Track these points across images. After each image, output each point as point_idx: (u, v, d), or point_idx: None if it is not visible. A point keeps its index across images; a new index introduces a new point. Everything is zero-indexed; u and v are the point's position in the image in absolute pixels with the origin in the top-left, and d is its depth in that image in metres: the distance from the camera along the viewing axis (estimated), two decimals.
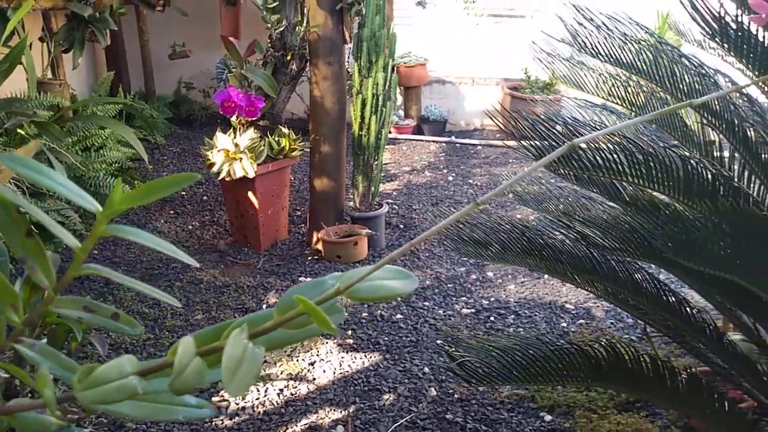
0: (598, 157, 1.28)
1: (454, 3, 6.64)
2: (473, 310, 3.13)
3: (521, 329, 2.97)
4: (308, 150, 3.86)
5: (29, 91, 4.09)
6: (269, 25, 3.72)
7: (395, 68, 6.31)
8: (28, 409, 0.49)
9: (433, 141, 6.21)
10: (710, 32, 1.25)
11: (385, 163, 5.38)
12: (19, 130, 3.44)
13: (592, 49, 1.51)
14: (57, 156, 3.07)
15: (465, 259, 3.63)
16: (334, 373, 2.62)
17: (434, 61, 6.63)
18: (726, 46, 1.27)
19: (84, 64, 5.81)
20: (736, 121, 1.57)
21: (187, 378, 0.41)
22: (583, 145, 1.28)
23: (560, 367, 1.43)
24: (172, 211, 4.25)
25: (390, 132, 6.19)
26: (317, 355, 2.74)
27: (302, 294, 0.45)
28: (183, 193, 4.58)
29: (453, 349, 1.48)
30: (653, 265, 1.64)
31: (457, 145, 6.09)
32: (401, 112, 6.51)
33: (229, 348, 0.41)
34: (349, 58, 4.46)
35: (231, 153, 3.52)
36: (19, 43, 3.20)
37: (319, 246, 3.73)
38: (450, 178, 5.14)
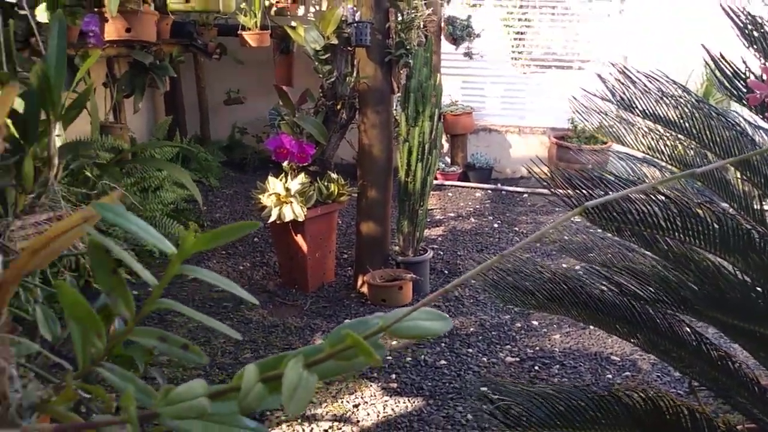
0: (633, 210, 1.33)
1: (501, 53, 6.76)
2: (518, 359, 3.14)
3: (566, 379, 2.96)
4: (356, 195, 3.96)
5: (92, 134, 4.30)
6: (321, 75, 3.87)
7: (442, 116, 6.43)
8: (110, 424, 0.56)
9: (479, 188, 6.26)
10: (736, 95, 1.30)
11: (431, 209, 5.45)
12: (83, 171, 3.63)
13: (629, 104, 1.56)
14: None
15: (510, 306, 3.64)
16: (378, 416, 2.65)
17: (480, 110, 6.74)
18: (753, 108, 1.31)
19: (144, 108, 6.08)
20: None
21: (252, 400, 0.48)
22: (615, 194, 1.33)
23: (599, 416, 1.45)
24: (224, 252, 4.38)
25: (436, 178, 6.29)
26: (361, 397, 2.78)
27: (348, 340, 0.52)
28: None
29: (494, 394, 1.51)
30: (694, 319, 1.65)
31: (503, 192, 6.13)
32: (447, 159, 6.59)
33: (288, 374, 0.47)
34: (396, 107, 4.58)
35: (282, 197, 3.64)
36: (85, 89, 3.41)
37: (365, 289, 3.79)
38: (495, 225, 5.16)
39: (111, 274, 0.60)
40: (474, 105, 6.63)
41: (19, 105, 2.68)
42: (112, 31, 3.46)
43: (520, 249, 0.61)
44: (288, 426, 2.57)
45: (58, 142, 2.75)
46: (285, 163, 3.71)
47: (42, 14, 3.39)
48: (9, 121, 2.49)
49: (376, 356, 0.47)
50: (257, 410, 0.54)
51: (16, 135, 2.55)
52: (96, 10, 3.45)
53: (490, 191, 6.16)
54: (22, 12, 3.17)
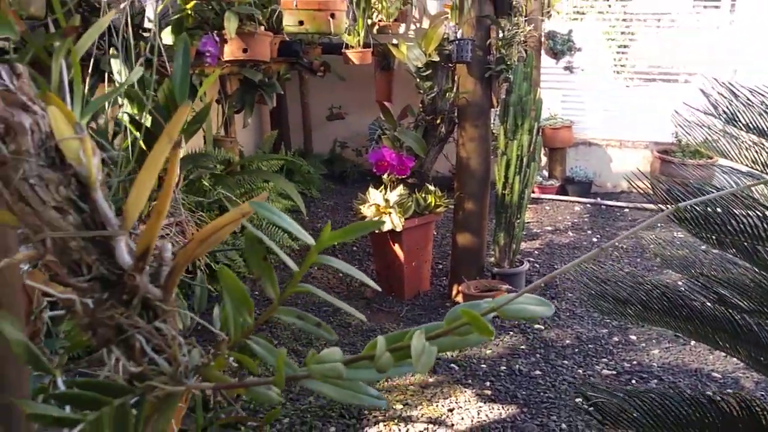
0: (733, 221, 1.34)
1: (603, 66, 6.67)
2: (614, 372, 3.11)
3: None
4: (452, 207, 4.04)
5: (206, 147, 4.61)
6: (421, 91, 3.99)
7: (541, 130, 6.41)
8: (260, 384, 0.68)
9: (577, 202, 6.19)
10: None
11: (528, 222, 5.44)
12: (200, 181, 3.90)
13: (732, 118, 1.57)
14: (232, 204, 3.45)
15: (607, 320, 3.61)
16: (472, 420, 2.71)
17: (580, 123, 6.67)
18: None
19: (252, 123, 6.40)
20: None
21: (383, 363, 0.57)
22: (719, 210, 1.35)
23: (694, 420, 1.46)
24: None
25: (533, 192, 6.28)
26: (456, 402, 2.84)
27: (464, 316, 0.61)
28: (335, 243, 4.89)
29: (591, 393, 1.55)
30: None
31: (603, 206, 6.03)
32: (545, 173, 6.56)
33: (415, 343, 0.57)
34: (494, 120, 4.63)
35: (381, 208, 3.77)
36: (205, 105, 3.68)
37: (459, 299, 3.86)
38: (594, 240, 5.10)
39: (262, 261, 0.72)
40: (574, 119, 6.58)
41: (146, 120, 2.92)
42: (230, 51, 3.70)
43: (609, 246, 0.67)
44: (385, 426, 2.67)
45: (180, 155, 2.96)
46: (385, 176, 3.84)
47: (167, 37, 3.68)
48: (138, 134, 2.73)
49: (491, 329, 0.56)
50: (362, 404, 0.64)
51: (144, 147, 2.78)
52: (215, 32, 3.70)
53: (589, 205, 6.09)
54: (146, 34, 3.46)
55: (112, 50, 2.95)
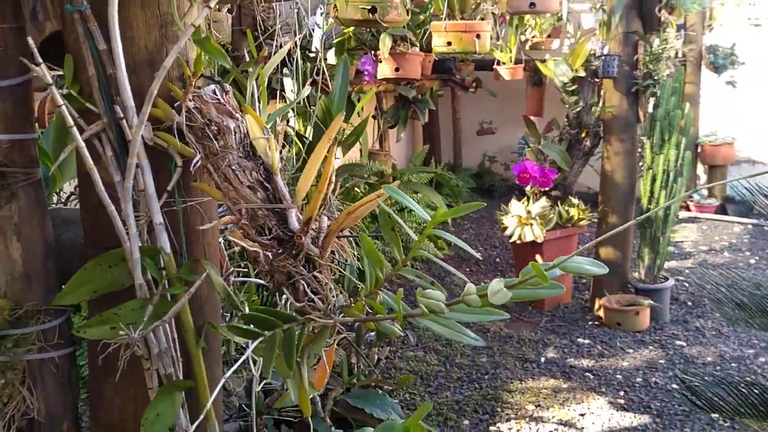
0: None
1: None
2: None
3: None
4: (596, 221, 4.09)
5: (362, 159, 4.98)
6: (567, 106, 4.10)
7: (700, 147, 6.22)
8: (385, 319, 0.91)
9: (738, 222, 5.92)
10: None
11: (681, 241, 5.32)
12: (355, 189, 4.26)
13: None
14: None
15: (755, 341, 3.52)
16: (602, 426, 2.79)
17: (743, 141, 6.36)
18: None
19: (404, 137, 6.74)
20: None
21: (471, 300, 0.79)
22: None
23: None
24: (468, 269, 4.76)
25: (688, 209, 6.10)
26: (588, 408, 2.93)
27: (533, 269, 0.81)
28: (478, 254, 5.08)
29: (693, 383, 1.63)
30: None
31: (766, 228, 5.73)
32: (704, 191, 6.33)
33: (493, 284, 0.78)
34: (641, 135, 4.61)
35: (523, 219, 3.91)
36: (362, 121, 4.02)
37: (601, 313, 3.90)
38: (752, 261, 4.90)
39: (391, 231, 0.96)
40: (736, 135, 6.29)
41: (309, 133, 3.30)
42: (384, 71, 4.03)
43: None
44: (516, 423, 2.83)
45: (337, 164, 3.34)
46: (527, 188, 3.99)
47: (331, 57, 4.08)
48: (300, 144, 3.10)
49: (548, 277, 0.76)
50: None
51: (305, 156, 3.15)
52: (372, 52, 4.06)
53: (750, 226, 5.81)
54: (311, 54, 3.86)
55: (284, 70, 3.38)
